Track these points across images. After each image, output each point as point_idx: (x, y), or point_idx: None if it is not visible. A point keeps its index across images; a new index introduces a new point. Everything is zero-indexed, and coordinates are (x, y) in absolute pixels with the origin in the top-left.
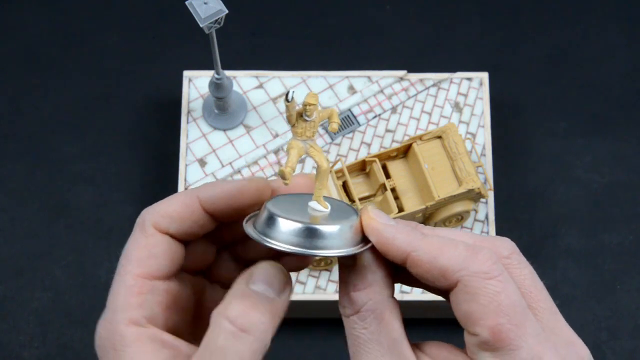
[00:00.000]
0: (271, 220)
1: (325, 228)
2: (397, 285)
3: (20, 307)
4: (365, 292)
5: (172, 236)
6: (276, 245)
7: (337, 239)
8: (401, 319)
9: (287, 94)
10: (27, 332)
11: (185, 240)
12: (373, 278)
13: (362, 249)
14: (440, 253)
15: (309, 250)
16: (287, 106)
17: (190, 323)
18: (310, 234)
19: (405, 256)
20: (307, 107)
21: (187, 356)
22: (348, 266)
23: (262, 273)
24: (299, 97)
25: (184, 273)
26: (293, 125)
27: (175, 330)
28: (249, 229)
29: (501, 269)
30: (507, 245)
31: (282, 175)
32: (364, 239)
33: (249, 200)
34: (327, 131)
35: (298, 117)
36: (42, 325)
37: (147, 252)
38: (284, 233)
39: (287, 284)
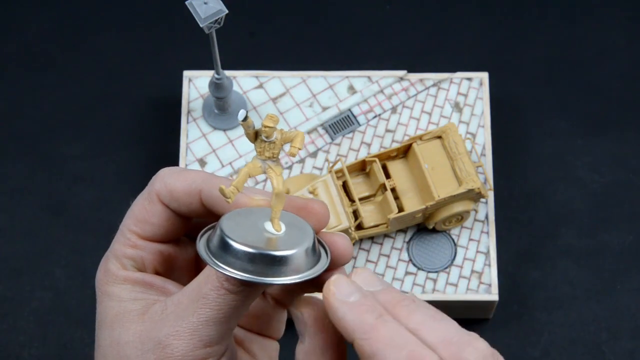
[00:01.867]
0: (222, 241)
1: (273, 253)
2: (397, 285)
3: (20, 307)
4: (306, 349)
5: (173, 210)
6: (225, 271)
7: (288, 264)
8: None
9: (239, 114)
10: (27, 332)
11: (188, 216)
12: (313, 344)
13: (310, 277)
14: (383, 353)
15: (256, 278)
16: (242, 126)
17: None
18: (259, 259)
19: (352, 340)
20: (263, 129)
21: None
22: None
23: None
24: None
25: (185, 238)
26: (254, 144)
27: None
28: (200, 247)
29: None
30: (476, 352)
31: (222, 193)
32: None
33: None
34: (326, 131)
35: (257, 136)
36: (42, 325)
37: (146, 216)
38: (235, 257)
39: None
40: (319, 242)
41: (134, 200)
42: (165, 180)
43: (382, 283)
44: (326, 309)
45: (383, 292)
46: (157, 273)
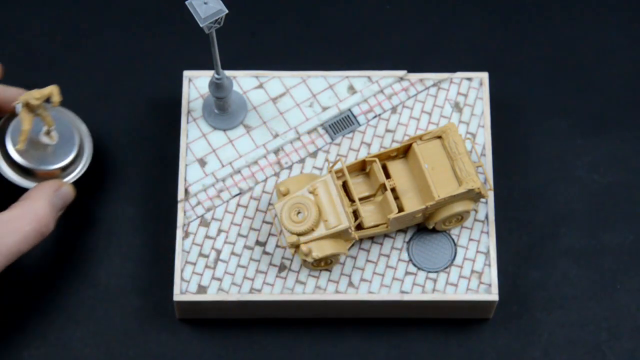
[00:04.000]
0: None
1: None
2: (397, 285)
3: (20, 307)
4: None
5: None
6: None
7: None
8: None
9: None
10: (27, 332)
11: None
12: None
13: None
14: None
15: None
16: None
17: None
18: None
19: None
20: (34, 103)
21: None
22: None
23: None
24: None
25: None
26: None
27: None
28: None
29: None
30: None
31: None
32: None
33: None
34: (326, 131)
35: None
36: (42, 325)
37: None
38: None
39: None
40: None
41: None
42: None
43: None
44: None
45: None
46: None
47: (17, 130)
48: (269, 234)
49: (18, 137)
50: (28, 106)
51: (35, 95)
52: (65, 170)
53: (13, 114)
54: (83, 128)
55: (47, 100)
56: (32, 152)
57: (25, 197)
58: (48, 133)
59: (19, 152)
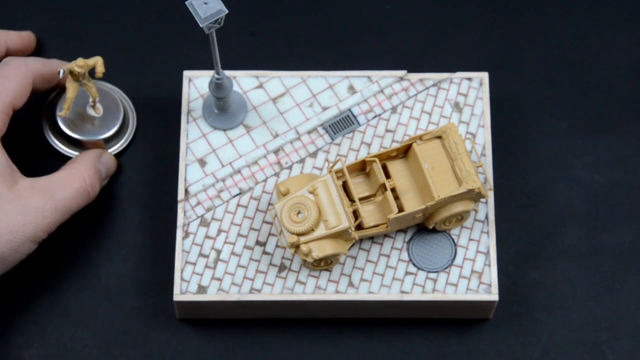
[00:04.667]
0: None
1: None
2: (397, 285)
3: (20, 307)
4: None
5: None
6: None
7: None
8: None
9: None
10: (27, 332)
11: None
12: None
13: None
14: None
15: None
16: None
17: None
18: None
19: None
20: (78, 71)
21: None
22: None
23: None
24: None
25: None
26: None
27: None
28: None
29: None
30: None
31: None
32: None
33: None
34: (326, 131)
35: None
36: (42, 325)
37: (23, 93)
38: None
39: None
40: None
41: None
42: (38, 68)
43: None
44: None
45: None
46: None
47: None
48: (269, 234)
49: (62, 105)
50: (72, 74)
51: (79, 64)
52: (109, 142)
53: (64, 90)
54: (127, 103)
55: (92, 71)
56: (79, 123)
57: (72, 161)
58: (93, 105)
59: (63, 119)
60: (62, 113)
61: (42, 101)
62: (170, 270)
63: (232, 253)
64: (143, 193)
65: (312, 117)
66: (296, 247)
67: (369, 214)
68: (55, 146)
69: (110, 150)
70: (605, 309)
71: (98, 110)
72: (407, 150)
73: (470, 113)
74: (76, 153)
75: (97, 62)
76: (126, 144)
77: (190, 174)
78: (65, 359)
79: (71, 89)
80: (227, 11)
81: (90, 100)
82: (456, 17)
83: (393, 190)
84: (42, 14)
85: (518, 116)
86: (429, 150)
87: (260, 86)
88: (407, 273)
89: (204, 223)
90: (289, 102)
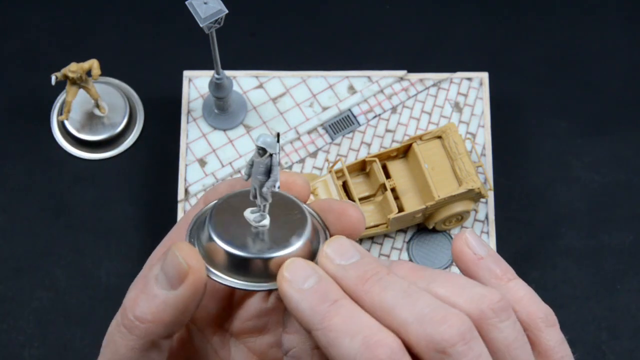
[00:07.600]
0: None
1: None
2: None
3: (20, 307)
4: (291, 338)
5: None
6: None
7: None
8: None
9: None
10: (27, 332)
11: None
12: (299, 325)
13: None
14: (336, 342)
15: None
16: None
17: None
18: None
19: (309, 331)
20: (71, 75)
21: None
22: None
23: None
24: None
25: None
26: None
27: None
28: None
29: None
30: (450, 331)
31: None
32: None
33: None
34: (326, 131)
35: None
36: (42, 325)
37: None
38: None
39: (187, 274)
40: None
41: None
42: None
43: (359, 252)
44: (283, 300)
45: (355, 266)
46: None
47: (75, 109)
48: None
49: (63, 109)
50: (69, 79)
51: (72, 69)
52: (122, 136)
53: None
54: (133, 96)
55: (89, 73)
56: (87, 124)
57: None
58: (97, 106)
59: (71, 123)
60: (62, 117)
61: (50, 106)
62: None
63: None
64: (143, 193)
65: (312, 117)
66: None
67: (369, 214)
68: (66, 149)
69: (125, 142)
70: (605, 309)
71: (103, 109)
72: (407, 150)
73: (470, 113)
74: (88, 155)
75: (93, 65)
76: (139, 133)
77: (190, 174)
78: (65, 359)
79: (70, 93)
80: (227, 11)
81: (93, 101)
82: (456, 17)
83: (393, 190)
84: (42, 13)
85: (518, 116)
86: (429, 150)
87: (260, 86)
88: None
89: None
90: (289, 102)
